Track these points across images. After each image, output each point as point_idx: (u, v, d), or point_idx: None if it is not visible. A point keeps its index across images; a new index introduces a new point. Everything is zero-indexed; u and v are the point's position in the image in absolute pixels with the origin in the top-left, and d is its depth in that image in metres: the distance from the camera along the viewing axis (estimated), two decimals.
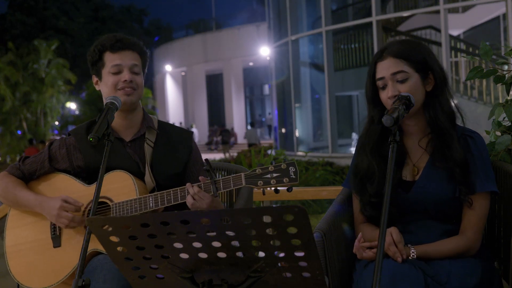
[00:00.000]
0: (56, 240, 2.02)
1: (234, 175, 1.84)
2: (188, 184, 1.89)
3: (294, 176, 1.77)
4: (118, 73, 2.02)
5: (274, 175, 1.78)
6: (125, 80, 2.01)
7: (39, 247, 2.04)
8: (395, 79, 1.76)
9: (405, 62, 1.77)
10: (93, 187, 2.01)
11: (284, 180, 1.78)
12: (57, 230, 2.03)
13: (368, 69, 1.85)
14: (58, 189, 2.08)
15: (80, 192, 2.04)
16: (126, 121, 2.09)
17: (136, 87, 2.03)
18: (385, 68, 1.78)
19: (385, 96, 1.77)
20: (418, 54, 1.78)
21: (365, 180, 1.84)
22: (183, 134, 2.19)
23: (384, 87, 1.79)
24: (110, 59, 2.04)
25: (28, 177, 2.14)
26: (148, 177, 2.05)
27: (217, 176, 1.88)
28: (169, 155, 2.11)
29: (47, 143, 2.19)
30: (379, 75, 1.79)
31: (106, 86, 2.04)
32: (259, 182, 1.80)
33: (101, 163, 1.96)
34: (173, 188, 1.92)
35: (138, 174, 2.04)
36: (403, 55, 1.77)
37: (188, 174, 2.13)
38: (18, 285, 2.07)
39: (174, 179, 2.07)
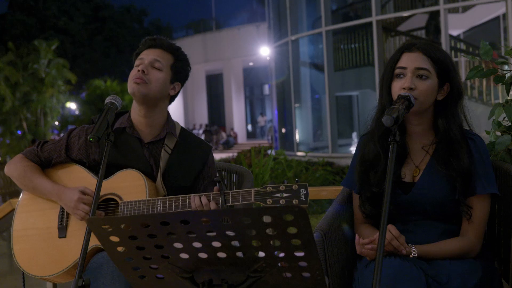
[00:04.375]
0: (62, 231, 2.03)
1: (244, 190, 1.85)
2: (191, 196, 1.89)
3: (304, 199, 1.77)
4: (139, 65, 2.05)
5: (284, 195, 1.78)
6: (138, 70, 2.02)
7: (45, 236, 2.05)
8: (416, 73, 1.76)
9: (431, 63, 1.77)
10: (106, 182, 2.01)
11: (294, 202, 1.77)
12: (64, 220, 2.04)
13: (392, 56, 1.84)
14: (72, 179, 2.09)
15: (93, 186, 2.03)
16: (146, 119, 2.08)
17: (149, 81, 2.02)
18: (411, 60, 1.78)
19: (399, 85, 1.77)
20: (445, 61, 1.79)
21: (369, 169, 1.84)
22: (202, 147, 2.18)
23: (400, 76, 1.78)
24: (140, 55, 2.09)
25: (45, 164, 2.14)
26: (159, 183, 2.05)
27: (229, 190, 1.89)
28: (183, 166, 2.10)
29: (67, 131, 2.19)
30: (402, 64, 1.79)
31: (128, 79, 2.07)
32: (268, 200, 1.80)
33: (117, 159, 1.96)
34: (182, 195, 1.92)
35: (150, 177, 2.05)
36: (432, 55, 1.78)
37: (195, 188, 2.13)
38: (24, 274, 2.07)
39: (183, 191, 2.06)
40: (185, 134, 2.18)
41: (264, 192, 1.81)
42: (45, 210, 2.08)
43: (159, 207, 1.92)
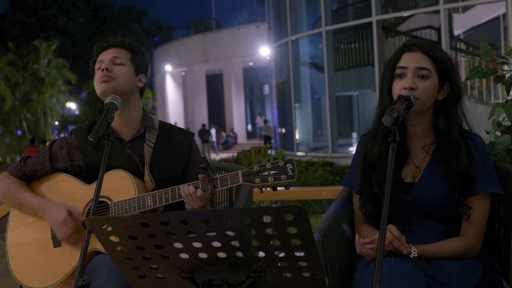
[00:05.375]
0: (56, 240, 2.03)
1: (231, 172, 1.84)
2: (180, 187, 1.90)
3: (291, 174, 1.76)
4: (99, 68, 2.08)
5: (272, 172, 1.77)
6: (102, 70, 2.06)
7: (39, 247, 2.05)
8: (417, 73, 1.76)
9: (432, 62, 1.77)
10: (93, 186, 2.01)
11: (282, 178, 1.76)
12: None
13: (392, 56, 1.84)
14: (59, 190, 2.09)
15: (81, 192, 2.05)
16: (122, 117, 2.09)
17: (115, 76, 2.05)
18: (412, 59, 1.77)
19: (400, 85, 1.77)
20: (445, 61, 1.80)
21: (371, 170, 1.83)
22: (184, 135, 2.19)
23: (401, 76, 1.78)
24: (97, 60, 2.13)
25: (30, 178, 2.14)
26: (147, 178, 2.05)
27: (216, 175, 1.88)
28: (169, 157, 2.11)
29: (48, 143, 2.19)
30: (403, 63, 1.78)
31: (94, 83, 2.10)
32: (257, 179, 1.79)
33: (101, 162, 1.97)
34: (171, 187, 1.93)
35: (138, 175, 2.04)
36: (433, 55, 1.78)
37: (186, 176, 2.13)
38: (21, 286, 2.07)
39: (174, 181, 2.06)
40: (165, 126, 2.20)
41: (252, 172, 1.80)
42: (37, 222, 2.08)
43: (149, 202, 1.92)
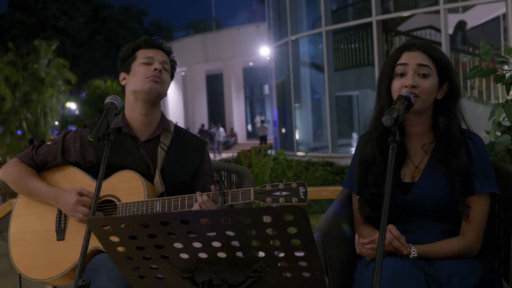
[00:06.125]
0: (60, 233, 2.03)
1: (243, 189, 1.86)
2: (198, 193, 1.90)
3: (303, 197, 1.78)
4: (149, 64, 2.08)
5: (284, 193, 1.79)
6: (156, 69, 2.05)
7: (43, 239, 2.05)
8: (418, 71, 1.76)
9: (432, 61, 1.78)
10: (103, 183, 2.00)
11: (293, 200, 1.78)
12: (62, 223, 2.04)
13: (391, 55, 1.84)
14: (69, 181, 2.09)
15: (89, 187, 2.05)
16: (146, 117, 2.10)
17: (163, 81, 2.08)
18: (413, 57, 1.78)
19: (400, 84, 1.76)
20: (444, 61, 1.80)
21: (368, 170, 1.84)
22: (197, 143, 2.20)
23: (402, 75, 1.78)
24: (143, 53, 2.11)
25: (40, 167, 2.14)
26: (157, 181, 2.05)
27: (228, 189, 1.90)
28: (181, 162, 2.11)
29: (61, 134, 2.19)
30: (403, 61, 1.78)
31: (135, 76, 2.07)
32: (268, 199, 1.81)
33: (113, 160, 1.97)
34: (181, 195, 1.93)
35: (148, 177, 2.05)
36: (432, 54, 1.78)
37: (195, 183, 2.14)
38: (20, 276, 2.07)
39: (183, 186, 2.07)
40: (180, 130, 2.21)
41: (263, 191, 1.82)
42: (42, 213, 2.08)
43: (158, 208, 1.92)
